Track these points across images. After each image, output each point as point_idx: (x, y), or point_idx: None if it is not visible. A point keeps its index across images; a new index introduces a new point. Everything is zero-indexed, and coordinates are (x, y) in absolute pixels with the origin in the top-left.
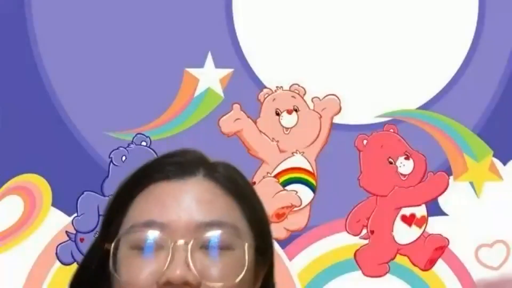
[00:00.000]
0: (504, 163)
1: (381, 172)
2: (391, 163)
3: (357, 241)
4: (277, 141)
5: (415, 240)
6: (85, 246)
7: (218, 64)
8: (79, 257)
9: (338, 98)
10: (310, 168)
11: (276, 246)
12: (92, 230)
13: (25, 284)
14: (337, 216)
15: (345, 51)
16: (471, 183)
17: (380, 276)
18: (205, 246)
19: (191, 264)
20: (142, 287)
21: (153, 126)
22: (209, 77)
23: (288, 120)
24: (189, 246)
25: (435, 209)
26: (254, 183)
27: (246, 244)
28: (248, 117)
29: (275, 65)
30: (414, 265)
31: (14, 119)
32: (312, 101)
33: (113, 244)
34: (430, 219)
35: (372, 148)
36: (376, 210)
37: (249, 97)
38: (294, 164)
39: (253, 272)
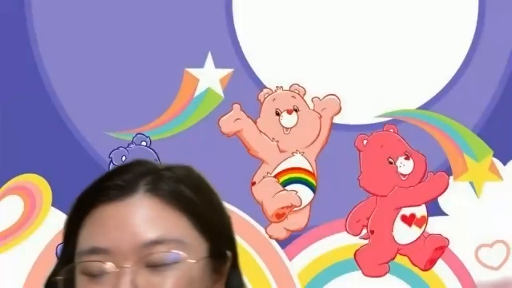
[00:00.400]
0: (504, 163)
1: (381, 172)
2: (391, 163)
3: (357, 241)
4: (277, 141)
5: (415, 240)
6: None
7: (218, 64)
8: None
9: (338, 98)
10: (310, 168)
11: (276, 246)
12: None
13: (25, 284)
14: (337, 216)
15: (345, 51)
16: (471, 183)
17: (380, 276)
18: (150, 265)
19: (137, 285)
20: None
21: (153, 126)
22: (209, 77)
23: (288, 120)
24: (134, 267)
25: (435, 209)
26: (254, 183)
27: (192, 260)
28: (248, 117)
29: (275, 65)
30: (414, 265)
31: (14, 119)
32: (312, 101)
33: (63, 274)
34: (430, 219)
35: (372, 148)
36: (376, 210)
37: (249, 97)
38: (294, 164)
39: (209, 276)
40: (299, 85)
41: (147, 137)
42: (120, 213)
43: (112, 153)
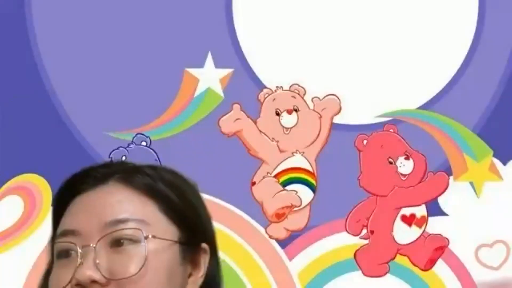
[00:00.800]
0: (504, 163)
1: (381, 172)
2: (391, 163)
3: (357, 241)
4: (277, 141)
5: (415, 240)
6: None
7: (218, 64)
8: None
9: (338, 98)
10: (310, 168)
11: (276, 246)
12: None
13: (25, 284)
14: (337, 216)
15: (345, 51)
16: (471, 183)
17: (380, 276)
18: (113, 244)
19: (98, 263)
20: None
21: (153, 126)
22: (209, 77)
23: (288, 120)
24: (96, 246)
25: (435, 209)
26: (254, 183)
27: (149, 235)
28: (248, 117)
29: (275, 65)
30: (414, 265)
31: (14, 119)
32: (312, 101)
33: (47, 265)
34: (430, 219)
35: (372, 148)
36: (376, 210)
37: (249, 97)
38: (294, 164)
39: (179, 263)
40: (299, 85)
41: (147, 137)
42: (90, 199)
43: (112, 153)
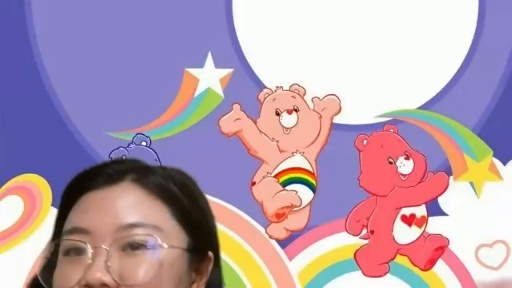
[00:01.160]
0: (504, 163)
1: (381, 172)
2: (391, 163)
3: (357, 241)
4: (277, 141)
5: (415, 240)
6: None
7: (218, 64)
8: None
9: (338, 98)
10: (310, 168)
11: (276, 246)
12: None
13: (25, 284)
14: (337, 216)
15: (345, 51)
16: (471, 183)
17: (380, 276)
18: (126, 248)
19: (110, 266)
20: None
21: (153, 126)
22: (209, 77)
23: (288, 120)
24: (109, 249)
25: (435, 209)
26: (254, 183)
27: (165, 245)
28: (248, 117)
29: (275, 65)
30: (414, 265)
31: (14, 119)
32: (312, 101)
33: (43, 253)
34: (430, 219)
35: (372, 148)
36: (376, 210)
37: (249, 97)
38: (294, 164)
39: (186, 271)
40: (299, 85)
41: (147, 137)
42: (103, 197)
43: (112, 153)
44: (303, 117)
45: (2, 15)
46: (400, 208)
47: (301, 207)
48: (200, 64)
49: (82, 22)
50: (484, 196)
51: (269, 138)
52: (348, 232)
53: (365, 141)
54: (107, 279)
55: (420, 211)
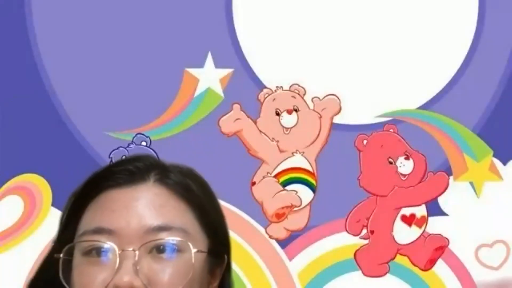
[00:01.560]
0: (504, 163)
1: (381, 172)
2: (391, 163)
3: (357, 241)
4: (277, 141)
5: (415, 240)
6: None
7: (218, 64)
8: None
9: (338, 98)
10: (310, 168)
11: (276, 246)
12: None
13: (25, 284)
14: (337, 216)
15: (345, 51)
16: (471, 183)
17: (380, 276)
18: (154, 251)
19: (138, 270)
20: None
21: (153, 126)
22: (209, 77)
23: (288, 120)
24: (137, 252)
25: (435, 209)
26: (254, 183)
27: (194, 249)
28: (248, 117)
29: (275, 65)
30: (414, 265)
31: (14, 119)
32: (312, 101)
33: (62, 253)
34: (430, 219)
35: (372, 148)
36: (376, 210)
37: (249, 97)
38: (294, 164)
39: (206, 274)
40: (299, 85)
41: (147, 137)
42: (128, 197)
43: (112, 153)
44: (303, 117)
45: (2, 15)
46: (400, 208)
47: (301, 207)
48: (200, 64)
49: (82, 22)
50: (484, 196)
51: (269, 138)
52: (348, 232)
53: (365, 141)
54: (136, 282)
55: (420, 211)
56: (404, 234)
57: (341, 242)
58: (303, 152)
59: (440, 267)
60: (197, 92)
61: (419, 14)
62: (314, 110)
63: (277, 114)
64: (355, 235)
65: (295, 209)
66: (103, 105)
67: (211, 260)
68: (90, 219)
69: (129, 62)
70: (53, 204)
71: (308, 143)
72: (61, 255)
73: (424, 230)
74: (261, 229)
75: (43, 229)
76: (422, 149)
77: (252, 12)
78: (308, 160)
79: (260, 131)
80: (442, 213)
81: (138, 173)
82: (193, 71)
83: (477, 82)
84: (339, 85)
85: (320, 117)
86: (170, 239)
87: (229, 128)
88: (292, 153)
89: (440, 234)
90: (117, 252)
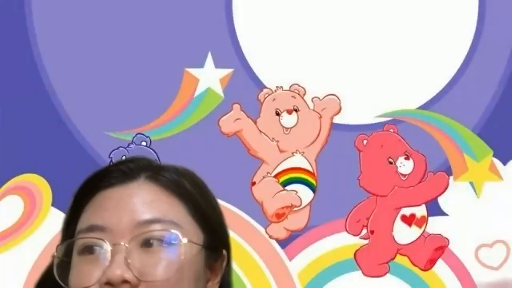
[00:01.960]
0: (504, 163)
1: (381, 172)
2: (391, 163)
3: (357, 241)
4: (277, 141)
5: (415, 240)
6: None
7: (218, 64)
8: None
9: (338, 98)
10: (310, 168)
11: (276, 246)
12: None
13: (25, 284)
14: (337, 216)
15: (345, 51)
16: (471, 183)
17: (380, 276)
18: (145, 244)
19: (130, 263)
20: None
21: (153, 126)
22: (209, 77)
23: (288, 120)
24: (128, 245)
25: (435, 209)
26: (254, 183)
27: (183, 239)
28: (248, 117)
29: (275, 65)
30: (414, 265)
31: (14, 119)
32: (312, 101)
33: (57, 254)
34: (430, 219)
35: (372, 148)
36: (376, 210)
37: (249, 97)
38: (294, 164)
39: (203, 268)
40: (299, 85)
41: (147, 137)
42: (120, 195)
43: (112, 153)
44: (303, 117)
45: (2, 15)
46: (400, 208)
47: (301, 207)
48: (200, 64)
49: (82, 22)
50: (484, 196)
51: (269, 138)
52: (348, 232)
53: (365, 141)
54: (128, 275)
55: (420, 211)
56: (404, 234)
57: (341, 242)
58: (303, 152)
59: (440, 267)
60: (197, 92)
61: (419, 14)
62: (314, 110)
63: (277, 114)
64: (355, 235)
65: (295, 209)
66: (103, 105)
67: (208, 255)
68: (85, 219)
69: (129, 62)
70: (53, 204)
71: (308, 143)
72: (56, 255)
73: (424, 230)
74: (261, 229)
75: (43, 229)
76: (422, 149)
77: (252, 12)
78: (308, 160)
79: (260, 131)
80: (442, 213)
81: (129, 173)
82: (193, 71)
83: (477, 82)
84: (339, 85)
85: (320, 117)
86: (160, 230)
87: (229, 128)
88: (292, 153)
89: (440, 234)
90: (109, 247)
